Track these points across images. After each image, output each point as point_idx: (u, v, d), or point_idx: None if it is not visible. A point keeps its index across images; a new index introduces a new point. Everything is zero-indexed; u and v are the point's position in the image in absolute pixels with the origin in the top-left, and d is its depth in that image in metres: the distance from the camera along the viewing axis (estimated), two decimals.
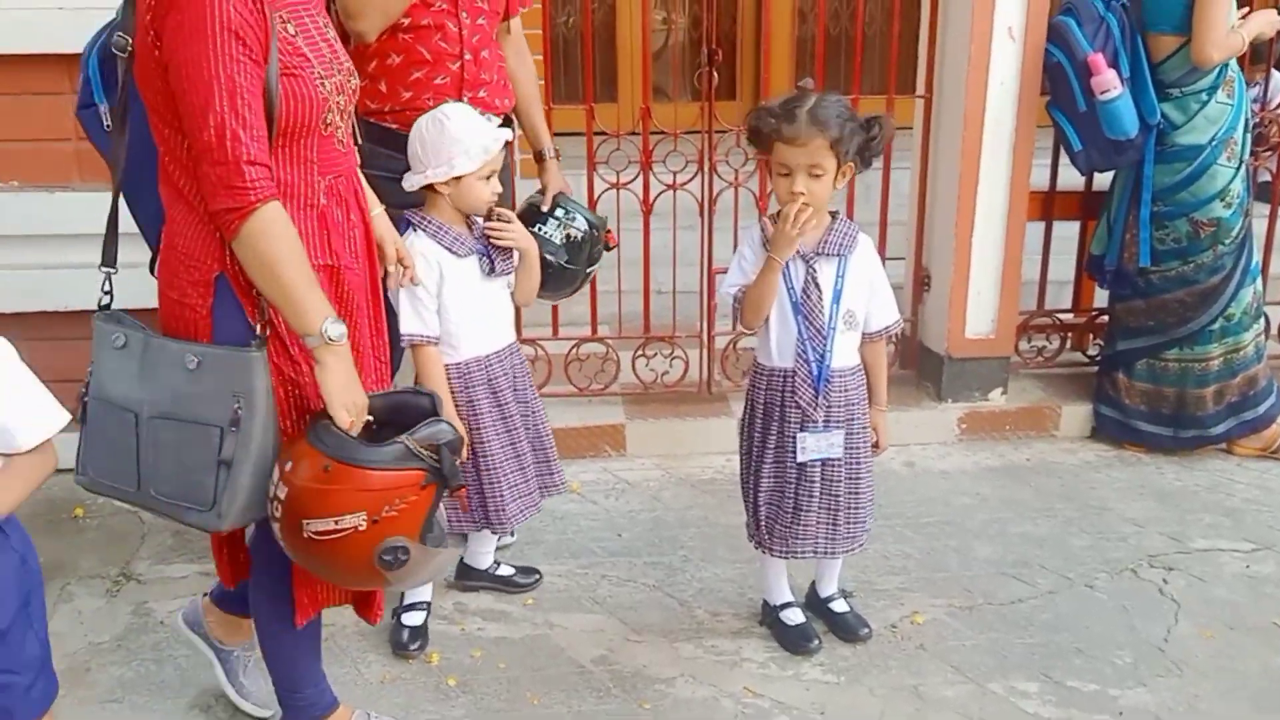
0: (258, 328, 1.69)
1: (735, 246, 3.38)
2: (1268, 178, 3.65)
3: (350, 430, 1.68)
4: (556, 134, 2.88)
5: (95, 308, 1.82)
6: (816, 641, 2.44)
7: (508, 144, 2.37)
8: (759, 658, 2.43)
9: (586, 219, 2.71)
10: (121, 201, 1.89)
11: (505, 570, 2.69)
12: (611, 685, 2.33)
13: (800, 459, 2.28)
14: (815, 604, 2.55)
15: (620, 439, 3.38)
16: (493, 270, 2.35)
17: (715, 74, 3.30)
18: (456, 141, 2.19)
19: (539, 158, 2.75)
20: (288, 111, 1.65)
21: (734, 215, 3.43)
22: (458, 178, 2.23)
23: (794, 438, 2.28)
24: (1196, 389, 3.31)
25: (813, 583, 2.57)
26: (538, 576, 2.71)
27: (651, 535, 2.94)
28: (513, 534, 2.85)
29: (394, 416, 1.77)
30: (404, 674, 2.37)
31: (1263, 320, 3.39)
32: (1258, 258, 3.37)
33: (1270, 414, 3.34)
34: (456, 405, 2.33)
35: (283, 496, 1.66)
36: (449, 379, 2.33)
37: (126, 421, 1.70)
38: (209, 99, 1.55)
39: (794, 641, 2.45)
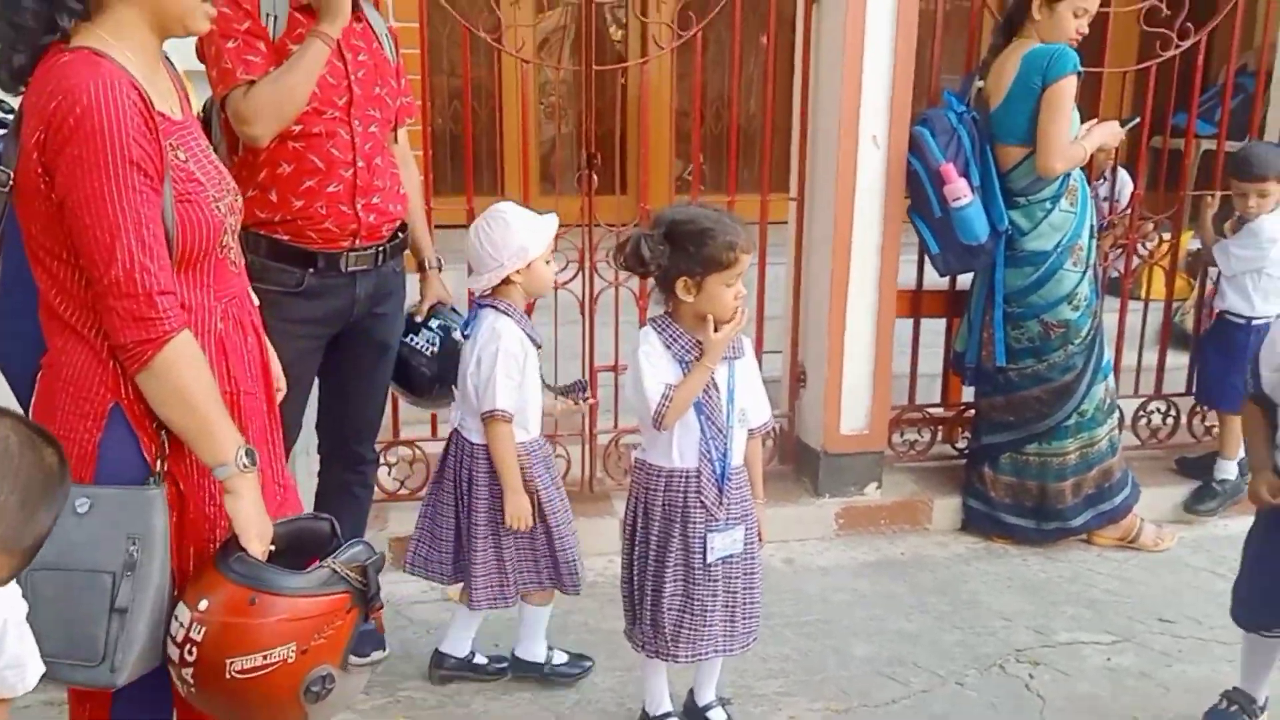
0: (158, 463, 1.63)
1: (616, 341, 3.44)
2: (1118, 274, 3.89)
3: (260, 558, 1.63)
4: (439, 226, 2.87)
5: None
6: None
7: (406, 251, 2.57)
8: None
9: (463, 331, 2.70)
10: None
11: (559, 657, 2.75)
12: None
13: (709, 559, 2.30)
14: (693, 713, 2.53)
15: None
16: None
17: (595, 176, 3.36)
18: (522, 232, 2.44)
19: (421, 268, 2.74)
20: (185, 238, 1.62)
21: (615, 312, 3.47)
22: (528, 264, 2.45)
23: (702, 538, 2.29)
24: (1056, 482, 3.45)
25: (690, 691, 2.55)
26: (589, 664, 2.77)
27: None
28: (385, 648, 2.75)
29: (293, 543, 1.72)
30: None
31: (1116, 414, 3.57)
32: (1109, 355, 3.56)
33: (1126, 505, 3.50)
34: (527, 479, 2.49)
35: (198, 637, 1.57)
36: (521, 454, 2.49)
37: None
38: (115, 234, 1.52)
39: None
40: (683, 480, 2.31)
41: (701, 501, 2.29)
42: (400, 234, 2.57)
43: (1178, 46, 3.59)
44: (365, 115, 2.44)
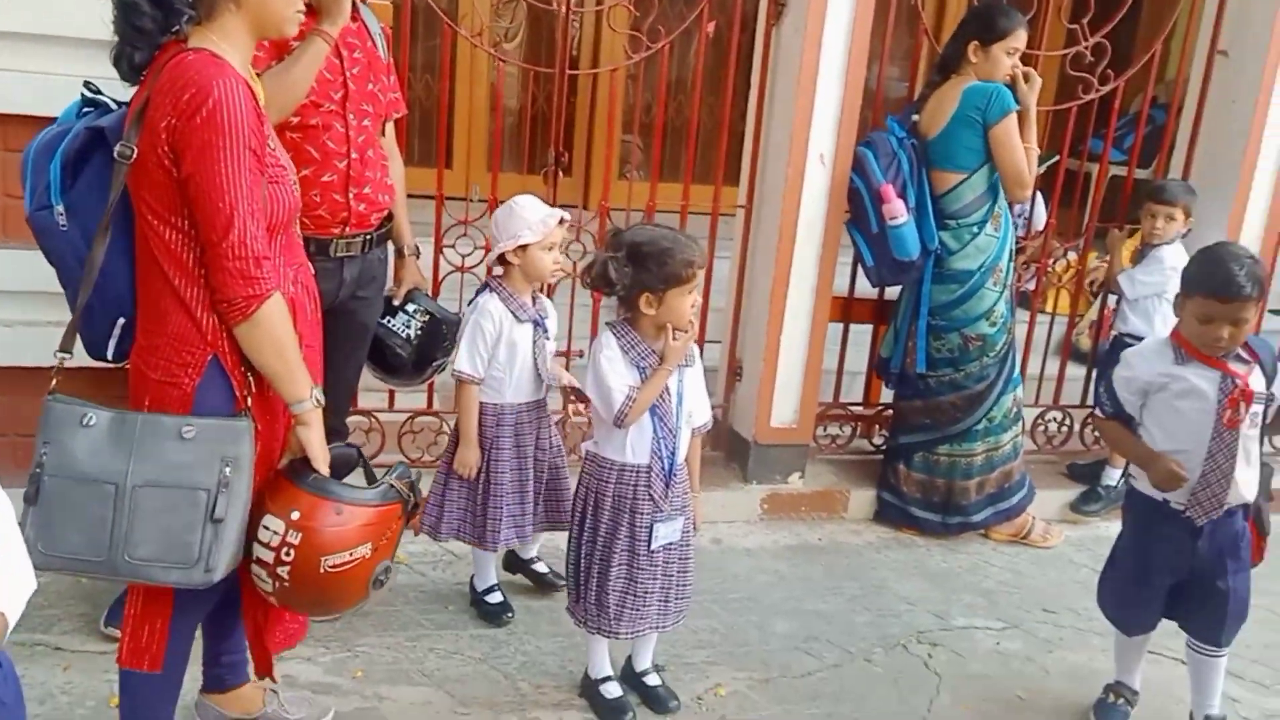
0: (246, 400, 1.94)
1: (570, 326, 3.63)
2: (1031, 287, 4.24)
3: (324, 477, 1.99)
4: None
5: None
6: (631, 714, 2.66)
7: (388, 240, 2.82)
8: None
9: (435, 314, 2.88)
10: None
11: (541, 567, 3.16)
12: None
13: (653, 546, 2.53)
14: (630, 677, 2.77)
15: None
16: (540, 340, 2.85)
17: (560, 172, 3.55)
18: (521, 219, 2.75)
19: (399, 254, 2.90)
20: (274, 213, 1.92)
21: (570, 296, 3.65)
22: (524, 248, 2.72)
23: (648, 528, 2.52)
24: (962, 480, 3.78)
25: (629, 657, 2.79)
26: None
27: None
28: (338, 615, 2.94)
29: (336, 467, 2.07)
30: None
31: (1020, 423, 3.92)
32: (1019, 368, 3.90)
33: (1022, 504, 3.86)
34: (482, 438, 2.83)
35: (295, 542, 1.93)
36: (484, 414, 2.84)
37: (103, 493, 1.86)
38: (233, 206, 1.81)
39: (611, 713, 2.66)
40: (634, 475, 2.53)
41: (650, 495, 2.52)
42: (386, 223, 2.73)
43: (1098, 91, 3.92)
44: (359, 110, 2.59)
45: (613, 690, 2.70)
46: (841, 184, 3.66)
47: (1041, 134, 4.15)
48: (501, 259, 2.81)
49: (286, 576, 1.96)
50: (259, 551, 1.96)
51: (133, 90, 1.91)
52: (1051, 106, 4.09)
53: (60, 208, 1.95)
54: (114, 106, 1.99)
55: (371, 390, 3.52)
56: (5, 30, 2.84)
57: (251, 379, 1.96)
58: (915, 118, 3.65)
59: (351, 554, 1.96)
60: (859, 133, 3.68)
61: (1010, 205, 3.74)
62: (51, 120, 2.07)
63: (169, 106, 1.81)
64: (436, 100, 4.35)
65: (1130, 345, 3.93)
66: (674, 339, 2.47)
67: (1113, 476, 4.07)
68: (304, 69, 2.41)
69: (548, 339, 2.91)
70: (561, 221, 2.81)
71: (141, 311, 1.97)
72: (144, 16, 1.81)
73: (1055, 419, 4.33)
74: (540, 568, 3.18)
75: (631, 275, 2.42)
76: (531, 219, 2.76)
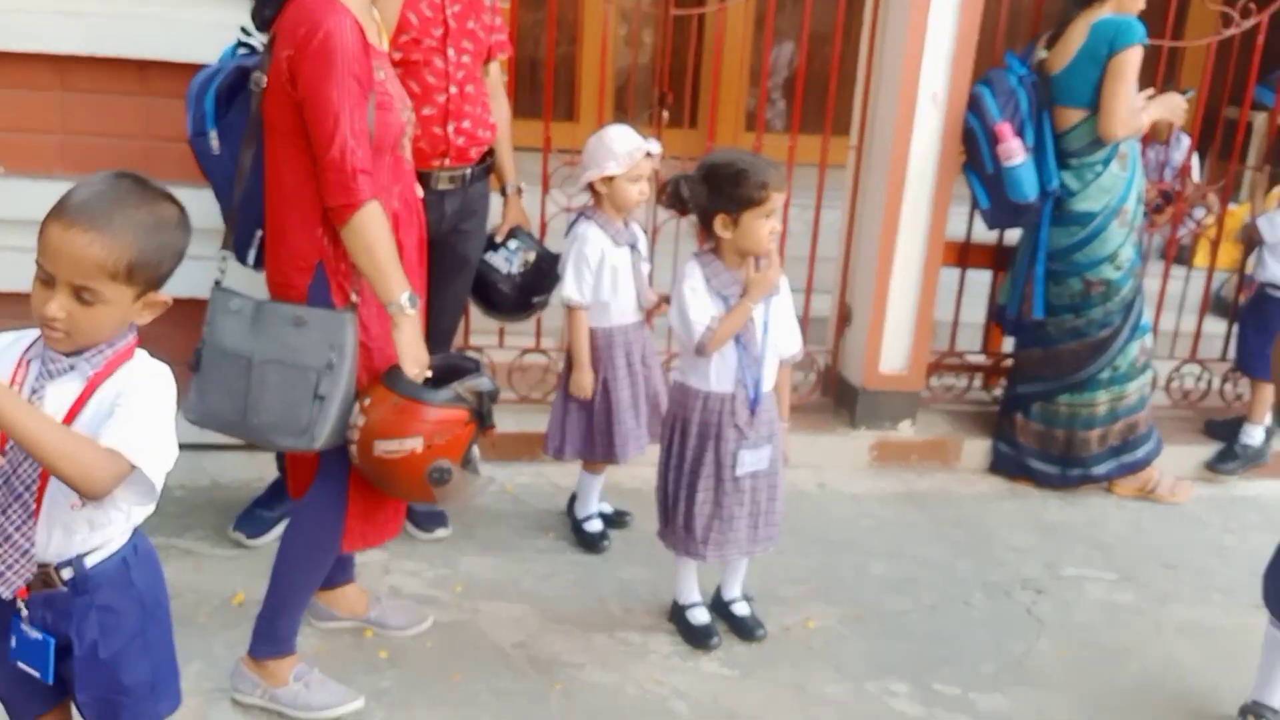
0: (351, 296, 2.17)
1: (675, 270, 3.67)
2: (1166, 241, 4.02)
3: (415, 379, 2.16)
4: (515, 148, 3.12)
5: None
6: (716, 639, 2.71)
7: (492, 174, 2.95)
8: (664, 650, 2.69)
9: (538, 252, 2.97)
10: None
11: (606, 507, 3.24)
12: (528, 667, 2.58)
13: (738, 473, 2.56)
14: (719, 606, 2.81)
15: None
16: (637, 262, 2.94)
17: (665, 114, 3.58)
18: (609, 149, 2.82)
19: (503, 192, 3.01)
20: (378, 135, 2.12)
21: (675, 241, 3.70)
22: (610, 178, 2.79)
23: (734, 454, 2.55)
24: (1083, 431, 3.64)
25: (719, 586, 2.83)
26: (630, 517, 3.26)
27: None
28: (447, 526, 3.09)
29: (447, 374, 2.24)
30: (338, 646, 2.59)
31: (1149, 373, 3.73)
32: (1148, 316, 3.71)
33: (1147, 458, 3.68)
34: (596, 361, 2.95)
35: (361, 424, 2.14)
36: (595, 339, 2.95)
37: (240, 366, 2.17)
38: (336, 124, 2.04)
39: (696, 637, 2.71)
40: (719, 402, 2.56)
41: (735, 422, 2.54)
42: (488, 158, 2.83)
43: (1238, 25, 3.67)
44: (459, 46, 2.70)
45: (700, 616, 2.75)
46: (955, 124, 3.56)
47: (1200, 79, 3.92)
48: (591, 188, 2.87)
49: (355, 454, 2.19)
50: (347, 430, 2.19)
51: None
52: (1188, 42, 3.84)
53: (214, 134, 2.28)
54: (260, 49, 2.25)
55: (480, 332, 3.67)
56: None
57: (355, 285, 2.18)
58: (1043, 54, 3.51)
59: (401, 444, 2.11)
60: (976, 71, 3.57)
61: (1143, 149, 3.56)
62: (190, 65, 2.41)
63: (288, 40, 2.07)
64: (563, 54, 4.46)
65: (1273, 298, 3.74)
66: (757, 269, 2.47)
67: (1252, 435, 3.84)
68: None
69: (644, 261, 3.00)
70: (649, 154, 2.84)
71: (268, 224, 2.24)
72: None
73: (1192, 373, 4.10)
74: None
75: (707, 196, 2.44)
76: (619, 150, 2.82)
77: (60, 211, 1.43)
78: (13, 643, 1.56)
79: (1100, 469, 3.67)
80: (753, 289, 2.48)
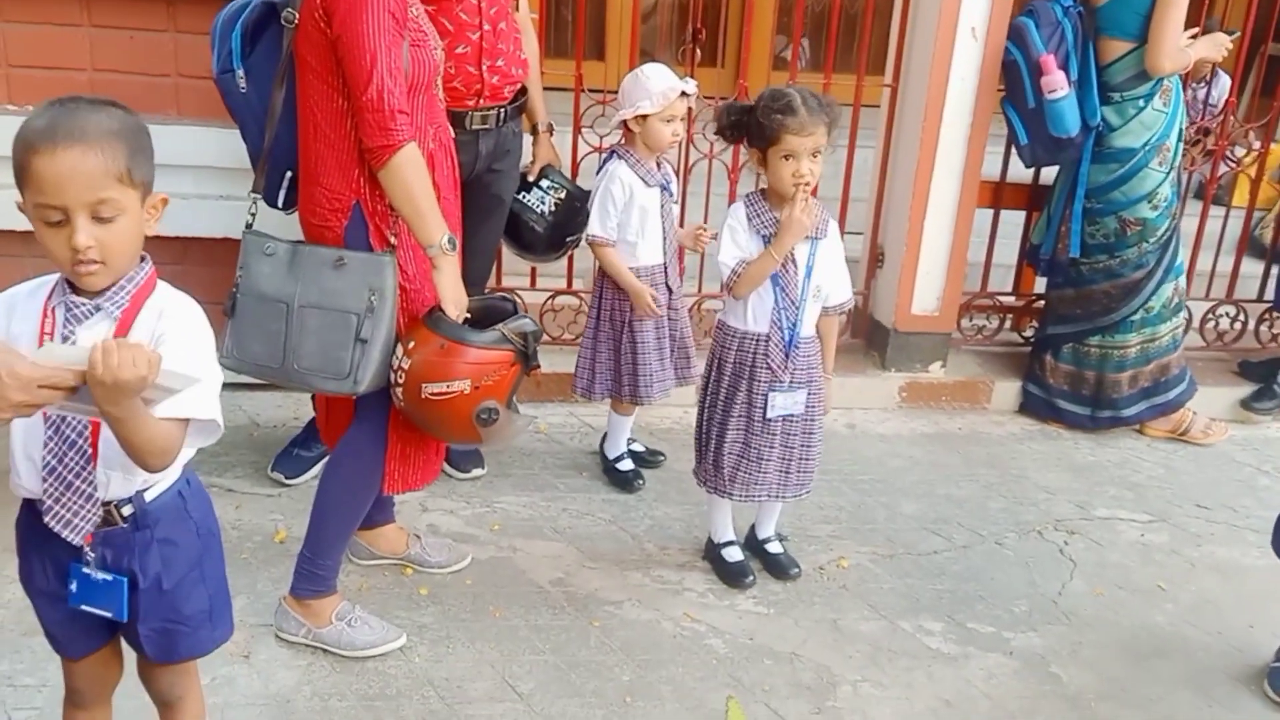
0: (390, 237, 2.15)
1: (706, 212, 3.65)
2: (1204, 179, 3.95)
3: (455, 320, 2.15)
4: (544, 89, 3.08)
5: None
6: (751, 577, 2.73)
7: (524, 114, 2.89)
8: (699, 588, 2.72)
9: (570, 190, 2.95)
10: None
11: (637, 447, 3.27)
12: (566, 604, 2.61)
13: (769, 415, 2.55)
14: (753, 544, 2.84)
15: None
16: (667, 203, 2.94)
17: (698, 50, 3.52)
18: (644, 88, 2.79)
19: (534, 131, 2.98)
20: (415, 73, 2.10)
21: (706, 183, 3.67)
22: (644, 117, 2.77)
23: (765, 395, 2.54)
24: (1114, 373, 3.62)
25: (752, 525, 2.85)
26: (662, 458, 3.29)
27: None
28: (483, 466, 3.12)
29: (484, 315, 2.24)
30: (379, 584, 2.63)
31: (1183, 314, 3.70)
32: (1182, 257, 3.67)
33: (1180, 399, 3.66)
34: (622, 301, 2.93)
35: (407, 367, 2.13)
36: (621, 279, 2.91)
37: (278, 311, 2.16)
38: (373, 62, 2.00)
39: (731, 575, 2.74)
40: (753, 343, 2.54)
41: (768, 364, 2.53)
42: (520, 97, 2.80)
43: None
44: None
45: (734, 554, 2.77)
46: (994, 60, 3.49)
47: (1242, 16, 3.82)
48: (624, 126, 2.84)
49: (400, 396, 2.18)
50: (390, 374, 2.18)
51: None
52: None
53: (241, 71, 2.22)
54: None
55: (512, 274, 3.67)
56: None
57: (393, 225, 2.15)
58: None
59: (449, 386, 2.12)
60: (1015, 4, 3.49)
61: (1183, 84, 3.48)
62: (218, 0, 2.30)
63: None
64: None
65: None
66: (794, 213, 2.43)
67: None
68: None
69: (674, 202, 2.98)
70: (684, 94, 2.80)
71: (302, 164, 2.20)
72: None
73: (1227, 314, 4.06)
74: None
75: (743, 128, 2.43)
76: (654, 89, 2.78)
77: (37, 143, 1.38)
78: (73, 587, 1.58)
79: (1130, 411, 3.65)
80: (781, 234, 2.44)
